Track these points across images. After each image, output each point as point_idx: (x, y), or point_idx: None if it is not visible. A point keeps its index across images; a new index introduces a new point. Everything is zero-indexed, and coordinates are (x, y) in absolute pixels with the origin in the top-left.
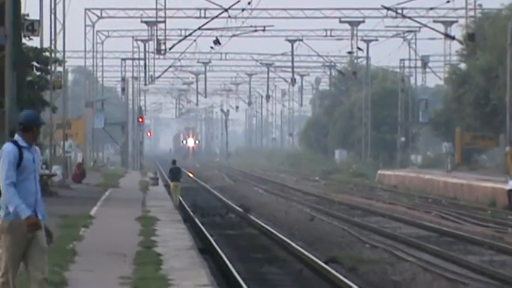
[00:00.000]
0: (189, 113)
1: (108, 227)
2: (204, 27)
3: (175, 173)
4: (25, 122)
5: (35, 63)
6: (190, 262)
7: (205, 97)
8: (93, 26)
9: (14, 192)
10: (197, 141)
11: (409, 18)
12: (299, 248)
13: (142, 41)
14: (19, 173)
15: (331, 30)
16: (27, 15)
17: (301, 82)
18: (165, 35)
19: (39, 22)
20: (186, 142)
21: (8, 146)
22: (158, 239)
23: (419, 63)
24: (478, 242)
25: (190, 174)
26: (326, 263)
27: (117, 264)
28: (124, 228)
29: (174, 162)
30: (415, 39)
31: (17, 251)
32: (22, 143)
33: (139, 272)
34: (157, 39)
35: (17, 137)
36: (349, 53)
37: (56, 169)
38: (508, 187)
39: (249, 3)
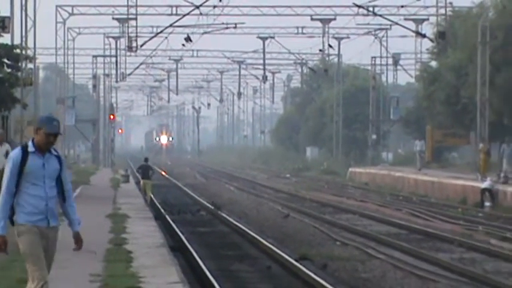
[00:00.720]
0: (160, 110)
1: None
2: (176, 24)
3: (145, 171)
4: (37, 125)
5: (5, 60)
6: (161, 259)
7: (177, 94)
8: (64, 23)
9: (5, 203)
10: (171, 138)
11: (380, 16)
12: (270, 246)
13: (113, 38)
14: (24, 178)
15: (302, 27)
16: None
17: (273, 79)
18: (137, 32)
19: (10, 19)
20: (159, 139)
21: (13, 152)
22: (129, 237)
23: (390, 61)
24: (448, 240)
25: (163, 173)
26: (297, 261)
27: (88, 262)
28: (94, 225)
29: (145, 159)
30: (387, 37)
31: (35, 251)
32: (31, 148)
33: (109, 269)
34: (129, 37)
35: (30, 141)
36: (321, 50)
37: None
38: (483, 186)
39: (220, 0)
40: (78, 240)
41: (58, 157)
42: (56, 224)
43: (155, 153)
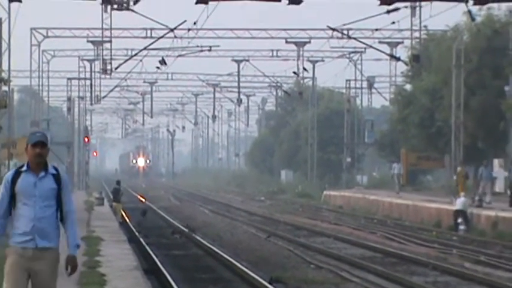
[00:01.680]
0: (135, 133)
1: None
2: (150, 47)
3: (115, 194)
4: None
5: None
6: (135, 282)
7: (151, 117)
8: (39, 46)
9: None
10: (148, 161)
11: (355, 39)
12: (244, 269)
13: (88, 60)
14: (17, 198)
15: (277, 50)
16: None
17: (247, 102)
18: (111, 55)
19: None
20: (136, 161)
21: (9, 172)
22: (102, 259)
23: (365, 84)
24: (422, 263)
25: (142, 199)
26: (270, 283)
27: (61, 284)
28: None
29: (117, 182)
30: (361, 60)
31: (13, 274)
32: (24, 167)
33: None
34: (103, 59)
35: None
36: (295, 73)
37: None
38: (455, 207)
39: (194, 23)
40: (69, 264)
41: (55, 176)
42: (47, 245)
43: (131, 176)
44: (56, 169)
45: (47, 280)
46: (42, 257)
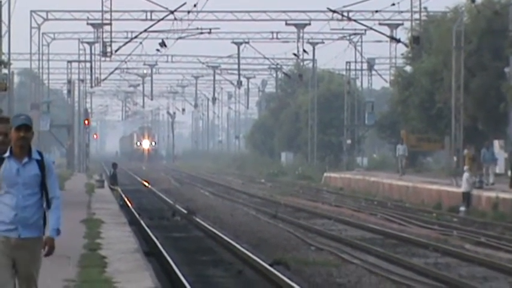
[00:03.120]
0: (135, 115)
1: None
2: (150, 29)
3: (111, 177)
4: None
5: None
6: (135, 265)
7: (152, 99)
8: (39, 28)
9: None
10: (153, 143)
11: (355, 21)
12: (244, 251)
13: (88, 43)
14: (0, 186)
15: (277, 32)
16: None
17: (248, 84)
18: (111, 37)
19: None
20: (141, 144)
21: None
22: (103, 242)
23: (365, 66)
24: (423, 244)
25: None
26: (271, 266)
27: (62, 267)
28: (69, 230)
29: (113, 165)
30: (361, 41)
31: None
32: (7, 153)
33: (83, 274)
34: (103, 42)
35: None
36: (295, 55)
37: None
38: (462, 189)
39: (195, 5)
40: (47, 245)
41: (39, 161)
42: (30, 235)
43: (135, 159)
44: (41, 154)
45: (29, 267)
46: (24, 245)
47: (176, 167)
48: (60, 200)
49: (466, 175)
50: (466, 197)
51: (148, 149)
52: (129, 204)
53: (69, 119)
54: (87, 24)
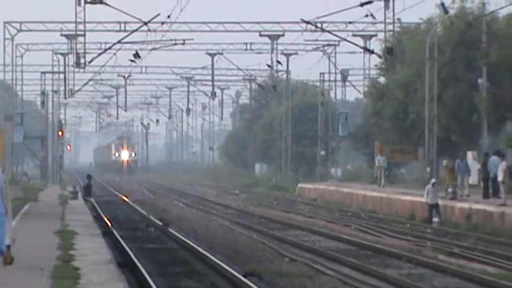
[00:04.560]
0: (109, 127)
1: (26, 241)
2: (124, 40)
3: (85, 189)
4: None
5: None
6: (109, 276)
7: (126, 110)
8: (13, 39)
9: None
10: (133, 154)
11: (329, 32)
12: (218, 262)
13: (62, 54)
14: None
15: (251, 43)
16: None
17: (222, 96)
18: (85, 49)
19: None
20: (119, 155)
21: None
22: (76, 253)
23: (339, 77)
24: (396, 255)
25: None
26: (245, 276)
27: (35, 278)
28: (42, 242)
29: (88, 177)
30: (335, 53)
31: None
32: None
33: (56, 286)
34: (77, 53)
35: None
36: (269, 66)
37: None
38: (429, 201)
39: (168, 16)
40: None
41: None
42: None
43: (114, 172)
44: None
45: None
46: None
47: (150, 177)
48: (4, 218)
49: (428, 187)
50: (432, 209)
51: (128, 161)
52: (109, 223)
53: (42, 131)
54: (61, 35)
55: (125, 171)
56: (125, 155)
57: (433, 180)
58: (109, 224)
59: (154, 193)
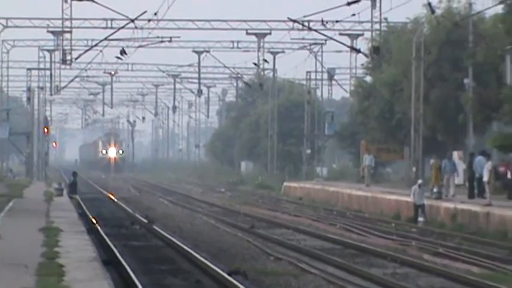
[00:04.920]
0: (95, 124)
1: (10, 237)
2: (111, 37)
3: (70, 186)
4: None
5: None
6: (93, 274)
7: (112, 108)
8: None
9: None
10: (121, 151)
11: (315, 30)
12: (203, 260)
13: (48, 51)
14: None
15: (237, 41)
16: None
17: (208, 93)
18: (71, 45)
19: None
20: (107, 152)
21: None
22: (61, 250)
23: (325, 76)
24: (381, 255)
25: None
26: (229, 275)
27: (19, 275)
28: (27, 239)
29: (73, 174)
30: (321, 51)
31: None
32: None
33: (41, 283)
34: (63, 49)
35: None
36: (255, 64)
37: None
38: (414, 201)
39: (155, 14)
40: None
41: None
42: None
43: (101, 169)
44: None
45: None
46: None
47: (135, 175)
48: None
49: (415, 187)
50: (418, 208)
51: (115, 158)
52: (94, 221)
53: (28, 127)
54: (47, 31)
55: (112, 169)
56: (112, 152)
57: (419, 182)
58: (94, 221)
59: (140, 190)
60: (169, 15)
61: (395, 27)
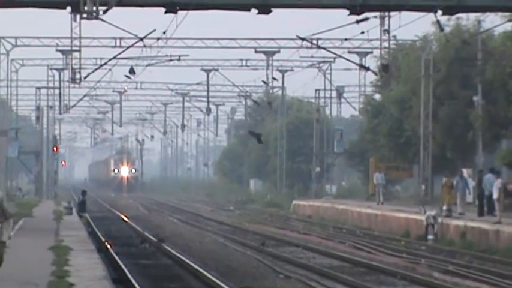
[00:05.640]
0: (104, 142)
1: (20, 256)
2: (119, 56)
3: (79, 204)
4: None
5: None
6: None
7: (121, 126)
8: (8, 55)
9: None
10: (133, 170)
11: (324, 48)
12: (213, 278)
13: (57, 69)
14: None
15: (246, 60)
16: None
17: (217, 112)
18: (80, 64)
19: None
20: (119, 171)
21: None
22: (71, 269)
23: (334, 94)
24: (391, 273)
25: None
26: None
27: None
28: (37, 257)
29: (83, 193)
30: (330, 69)
31: None
32: None
33: None
34: (72, 68)
35: None
36: (264, 82)
37: None
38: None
39: (164, 32)
40: None
41: None
42: None
43: (112, 189)
44: None
45: None
46: None
47: (144, 194)
48: None
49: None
50: (428, 226)
51: (127, 177)
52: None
53: (37, 146)
54: (56, 50)
55: (124, 188)
56: (124, 171)
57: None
58: (103, 240)
59: (149, 209)
60: (178, 34)
61: (404, 45)
